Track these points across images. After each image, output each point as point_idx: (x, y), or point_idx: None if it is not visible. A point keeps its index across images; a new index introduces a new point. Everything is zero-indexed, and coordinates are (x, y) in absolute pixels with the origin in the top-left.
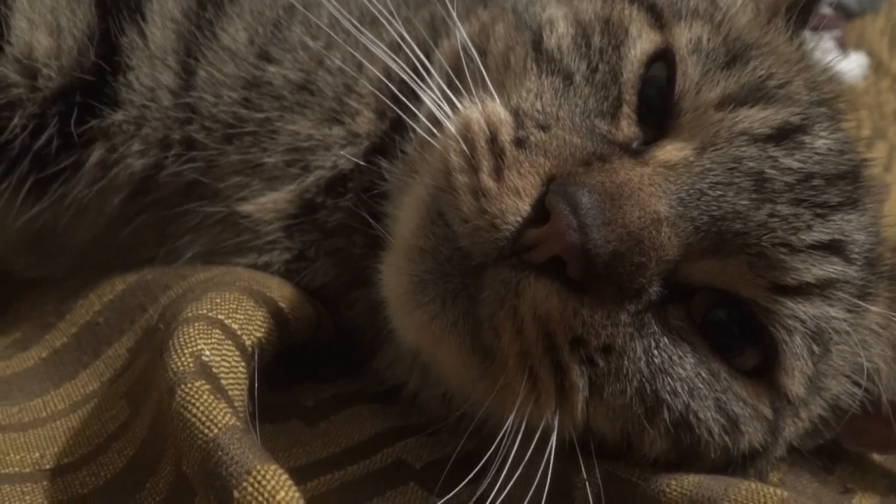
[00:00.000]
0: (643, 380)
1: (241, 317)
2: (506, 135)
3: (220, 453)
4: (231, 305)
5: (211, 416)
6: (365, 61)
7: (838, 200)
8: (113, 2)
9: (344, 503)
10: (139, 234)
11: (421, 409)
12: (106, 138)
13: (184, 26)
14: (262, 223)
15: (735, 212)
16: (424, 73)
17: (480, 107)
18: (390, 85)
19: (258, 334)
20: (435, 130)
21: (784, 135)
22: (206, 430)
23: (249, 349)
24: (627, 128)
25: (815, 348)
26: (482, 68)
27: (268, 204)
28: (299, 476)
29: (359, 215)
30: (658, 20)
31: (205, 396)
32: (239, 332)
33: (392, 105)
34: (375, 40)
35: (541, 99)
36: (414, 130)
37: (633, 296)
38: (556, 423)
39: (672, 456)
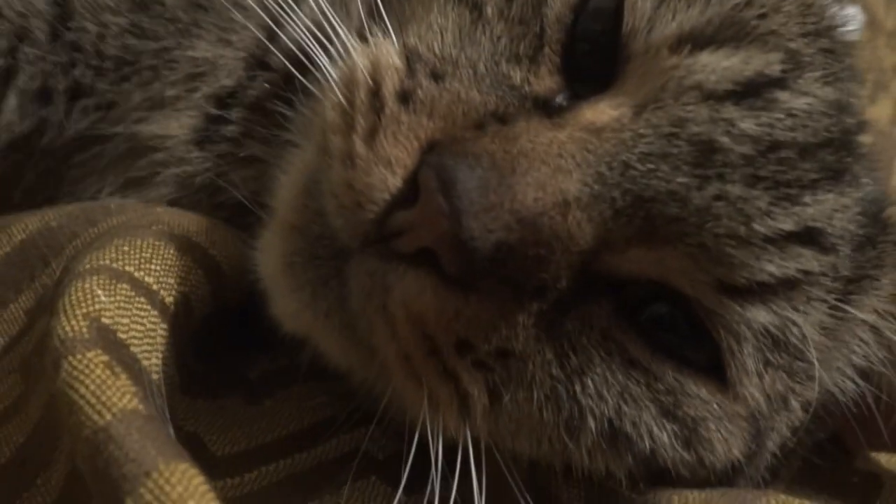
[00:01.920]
0: (556, 385)
1: (158, 267)
2: (391, 86)
3: (111, 447)
4: (143, 254)
5: (103, 398)
6: None
7: (814, 177)
8: None
9: (289, 500)
10: (33, 192)
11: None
12: None
13: None
14: (169, 139)
15: (669, 192)
16: None
17: (372, 49)
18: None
19: (182, 288)
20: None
21: (752, 90)
22: (96, 417)
23: (171, 307)
24: (549, 77)
25: (775, 358)
26: None
27: (171, 123)
28: (236, 465)
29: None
30: None
31: (98, 371)
32: (155, 287)
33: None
34: None
35: (441, 38)
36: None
37: (535, 293)
38: (465, 432)
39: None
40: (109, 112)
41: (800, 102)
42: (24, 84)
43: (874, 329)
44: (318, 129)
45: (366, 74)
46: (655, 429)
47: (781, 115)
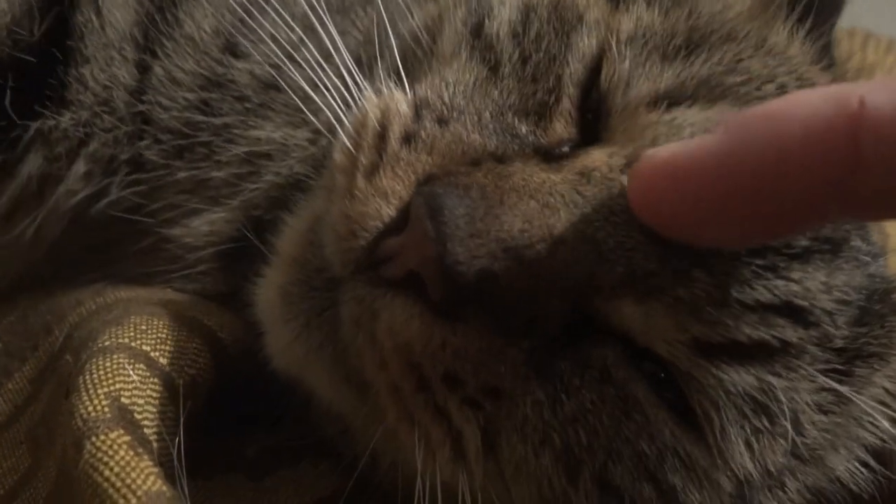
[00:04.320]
0: (548, 427)
1: (171, 348)
2: (396, 130)
3: None
4: (160, 334)
5: (128, 481)
6: (333, 51)
7: (805, 245)
8: None
9: None
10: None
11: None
12: (46, 145)
13: (143, 5)
14: (190, 249)
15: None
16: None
17: (384, 98)
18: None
19: (191, 370)
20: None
21: None
22: (121, 501)
23: (181, 389)
24: (563, 128)
25: (763, 424)
26: (396, 54)
27: (202, 226)
28: None
29: None
30: (618, 4)
31: (122, 452)
32: (168, 369)
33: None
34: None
35: (450, 89)
36: None
37: (524, 330)
38: (461, 477)
39: None
40: (154, 189)
41: None
42: (95, 150)
43: (882, 404)
44: (328, 172)
45: (374, 121)
46: (644, 484)
47: None
